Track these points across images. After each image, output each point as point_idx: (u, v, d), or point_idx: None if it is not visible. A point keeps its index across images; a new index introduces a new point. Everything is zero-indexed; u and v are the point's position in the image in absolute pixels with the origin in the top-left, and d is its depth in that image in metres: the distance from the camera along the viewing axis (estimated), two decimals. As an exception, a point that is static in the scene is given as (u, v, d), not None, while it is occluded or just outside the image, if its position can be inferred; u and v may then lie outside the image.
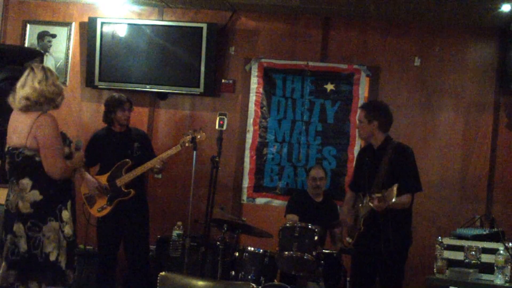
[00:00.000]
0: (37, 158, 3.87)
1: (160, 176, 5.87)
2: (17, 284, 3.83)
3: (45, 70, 3.96)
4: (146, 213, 5.60)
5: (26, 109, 3.89)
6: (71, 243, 3.96)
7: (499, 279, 4.23)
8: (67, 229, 3.93)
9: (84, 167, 5.34)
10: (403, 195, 4.53)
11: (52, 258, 3.85)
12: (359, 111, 4.97)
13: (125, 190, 5.36)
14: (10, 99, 3.96)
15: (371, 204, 4.46)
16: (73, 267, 4.00)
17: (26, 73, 3.95)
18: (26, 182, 3.87)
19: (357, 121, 4.98)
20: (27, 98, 3.87)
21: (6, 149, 3.98)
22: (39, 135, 3.84)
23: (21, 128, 3.89)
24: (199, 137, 5.32)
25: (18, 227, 3.84)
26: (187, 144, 5.27)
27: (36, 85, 3.88)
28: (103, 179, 5.40)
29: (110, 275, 5.52)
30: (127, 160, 5.39)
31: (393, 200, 4.26)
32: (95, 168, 5.56)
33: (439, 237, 4.55)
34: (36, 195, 3.86)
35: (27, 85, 3.90)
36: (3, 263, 3.85)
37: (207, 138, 6.10)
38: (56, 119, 3.95)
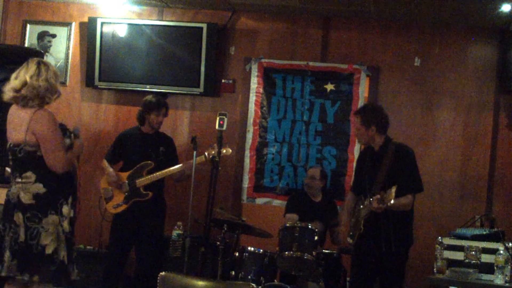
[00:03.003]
0: (38, 153, 3.89)
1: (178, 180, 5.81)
2: (15, 274, 3.84)
3: (40, 65, 3.95)
4: (162, 215, 5.60)
5: (15, 101, 3.90)
6: (69, 239, 3.98)
7: (499, 279, 4.24)
8: (66, 224, 3.94)
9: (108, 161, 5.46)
10: (404, 196, 4.53)
11: (49, 251, 3.85)
12: (354, 117, 4.86)
13: (144, 192, 5.38)
14: (3, 88, 3.98)
15: (371, 206, 4.47)
16: (74, 262, 4.00)
17: (22, 66, 3.97)
18: (30, 175, 3.90)
19: (355, 128, 4.90)
20: (15, 90, 3.89)
21: (7, 146, 4.00)
22: (37, 130, 3.86)
23: (19, 125, 3.91)
24: (224, 151, 5.31)
25: (18, 217, 3.86)
26: (211, 157, 5.26)
27: (27, 79, 3.88)
28: (124, 176, 5.43)
29: (117, 274, 5.52)
30: (150, 162, 5.41)
31: (392, 201, 4.27)
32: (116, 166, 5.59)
33: (439, 237, 4.56)
34: (39, 188, 3.89)
35: (18, 78, 3.92)
36: (7, 253, 3.85)
37: (207, 139, 6.12)
38: (53, 113, 3.96)
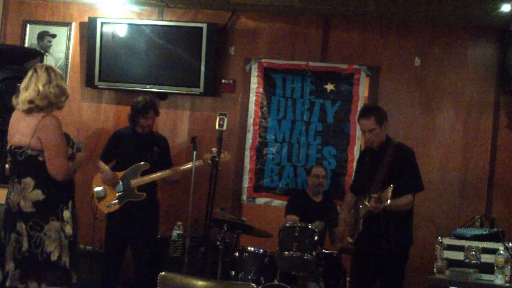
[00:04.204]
0: (40, 158, 3.87)
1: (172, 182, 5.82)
2: (16, 284, 3.84)
3: (49, 71, 3.94)
4: (156, 215, 5.62)
5: (29, 111, 3.89)
6: (71, 243, 3.98)
7: (499, 279, 4.23)
8: (68, 229, 3.94)
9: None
10: (403, 197, 4.53)
11: (54, 257, 3.85)
12: (363, 121, 4.72)
13: (138, 193, 5.38)
14: (14, 101, 3.96)
15: (368, 206, 4.48)
16: (75, 267, 4.01)
17: (29, 75, 3.94)
18: (29, 181, 3.88)
19: (367, 133, 4.73)
20: (30, 101, 3.87)
21: (8, 148, 3.99)
22: (44, 136, 3.84)
23: (25, 128, 3.88)
24: (222, 156, 5.30)
25: (20, 226, 3.85)
26: (209, 161, 5.25)
27: (40, 88, 3.87)
28: (118, 176, 5.44)
29: (114, 274, 5.52)
30: (146, 163, 5.42)
31: (388, 201, 4.28)
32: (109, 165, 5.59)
33: (439, 237, 4.55)
34: (38, 195, 3.87)
35: (30, 88, 3.89)
36: (11, 263, 3.84)
37: (207, 139, 6.12)
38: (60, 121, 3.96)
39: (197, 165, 5.29)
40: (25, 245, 3.82)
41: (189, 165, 5.45)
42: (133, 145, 5.53)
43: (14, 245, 3.85)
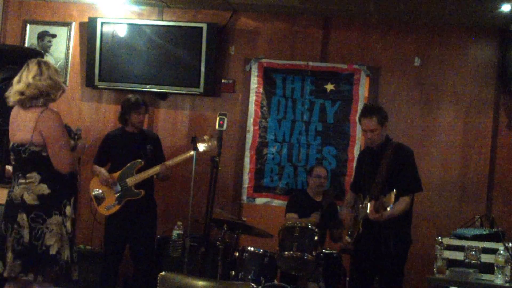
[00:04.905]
0: (43, 153, 3.90)
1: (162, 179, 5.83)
2: (21, 275, 3.85)
3: (40, 64, 3.98)
4: (154, 214, 5.62)
5: (21, 103, 3.92)
6: (71, 239, 4.00)
7: (499, 279, 4.23)
8: (68, 225, 3.97)
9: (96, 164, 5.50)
10: (399, 201, 4.53)
11: (52, 251, 3.86)
12: (365, 121, 4.72)
13: (136, 191, 5.39)
14: (7, 94, 3.98)
15: (369, 207, 4.50)
16: (75, 263, 4.02)
17: (22, 69, 3.99)
18: (34, 175, 3.91)
19: (368, 132, 4.73)
20: (21, 93, 3.90)
21: (10, 146, 4.00)
22: (45, 130, 3.87)
23: (25, 125, 3.91)
24: (209, 144, 5.28)
25: (22, 218, 3.87)
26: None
27: (30, 80, 3.90)
28: (115, 177, 5.44)
29: (114, 274, 5.53)
30: (140, 160, 5.42)
31: (390, 206, 4.29)
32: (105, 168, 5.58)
33: (439, 237, 4.55)
34: (44, 189, 3.90)
35: (22, 81, 3.93)
36: (10, 254, 3.85)
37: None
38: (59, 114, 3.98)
39: (191, 155, 5.27)
40: (26, 237, 3.84)
41: (177, 159, 5.44)
42: (126, 145, 5.52)
43: (14, 236, 3.86)
